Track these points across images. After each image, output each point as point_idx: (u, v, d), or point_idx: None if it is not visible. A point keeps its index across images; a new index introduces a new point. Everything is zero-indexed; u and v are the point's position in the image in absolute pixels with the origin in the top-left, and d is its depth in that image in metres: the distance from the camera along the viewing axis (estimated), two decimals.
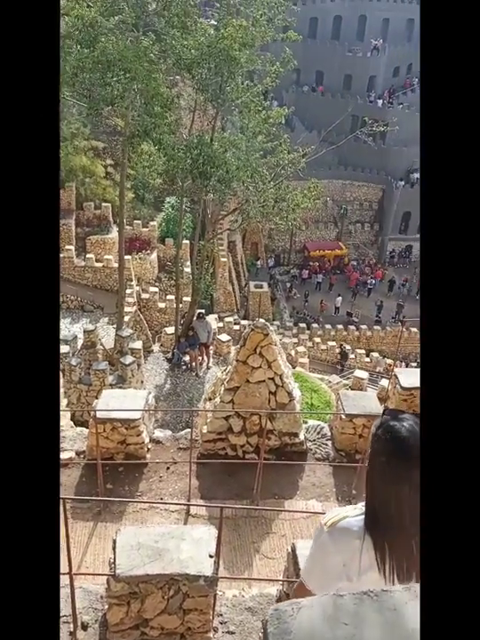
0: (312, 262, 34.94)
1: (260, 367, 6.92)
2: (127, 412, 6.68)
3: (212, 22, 18.36)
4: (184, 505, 6.30)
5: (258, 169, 18.08)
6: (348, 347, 25.61)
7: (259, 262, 34.03)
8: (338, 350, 25.08)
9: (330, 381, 20.20)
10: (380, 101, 37.21)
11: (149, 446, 7.19)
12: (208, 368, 17.44)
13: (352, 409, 7.24)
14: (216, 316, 23.62)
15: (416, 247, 38.04)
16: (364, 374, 19.15)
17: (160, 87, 14.37)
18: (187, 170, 16.23)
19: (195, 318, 17.71)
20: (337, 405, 7.98)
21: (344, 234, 37.67)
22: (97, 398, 7.33)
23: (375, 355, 25.30)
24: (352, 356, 25.21)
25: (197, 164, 15.76)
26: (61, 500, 5.25)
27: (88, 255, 23.03)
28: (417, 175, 37.04)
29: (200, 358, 17.20)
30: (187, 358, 17.35)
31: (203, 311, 18.67)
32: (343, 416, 7.27)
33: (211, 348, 17.83)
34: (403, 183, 36.46)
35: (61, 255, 22.07)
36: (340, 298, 31.26)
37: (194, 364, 17.12)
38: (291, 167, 19.58)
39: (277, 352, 7.02)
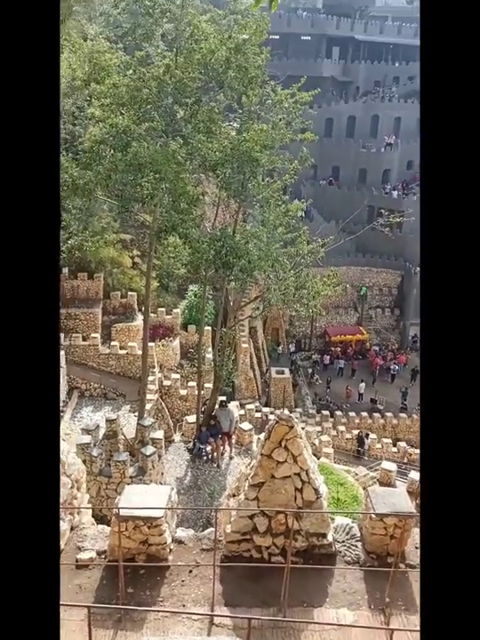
0: (333, 347, 34.92)
1: (286, 461, 6.75)
2: (150, 510, 6.50)
3: (235, 125, 19.66)
4: (208, 615, 5.96)
5: (278, 259, 18.57)
6: (366, 432, 24.92)
7: (280, 348, 34.13)
8: (356, 435, 24.36)
9: (356, 473, 19.49)
10: (395, 193, 38.61)
11: (172, 547, 6.92)
12: (230, 458, 17.06)
13: (382, 507, 6.94)
14: (237, 402, 23.41)
15: None
16: (392, 466, 18.49)
17: (187, 186, 15.17)
18: (210, 260, 16.74)
19: (217, 406, 17.57)
20: (366, 503, 7.67)
21: (365, 319, 37.86)
22: (117, 492, 7.17)
23: (402, 444, 24.53)
24: (377, 445, 24.47)
25: (220, 254, 16.26)
26: (86, 608, 5.01)
27: (113, 343, 23.40)
28: None
29: (222, 448, 16.87)
30: (208, 448, 17.04)
31: (225, 399, 18.54)
32: (373, 515, 6.96)
33: (233, 437, 17.53)
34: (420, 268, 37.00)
35: (86, 343, 22.49)
36: (363, 384, 30.87)
37: (215, 454, 16.78)
38: (310, 256, 20.09)
39: (303, 445, 6.88)
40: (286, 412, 7.16)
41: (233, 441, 17.53)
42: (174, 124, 16.83)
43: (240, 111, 19.68)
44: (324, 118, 40.19)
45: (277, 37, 44.12)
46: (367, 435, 24.59)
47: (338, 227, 29.14)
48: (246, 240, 17.46)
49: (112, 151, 14.45)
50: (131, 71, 15.48)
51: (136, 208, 16.83)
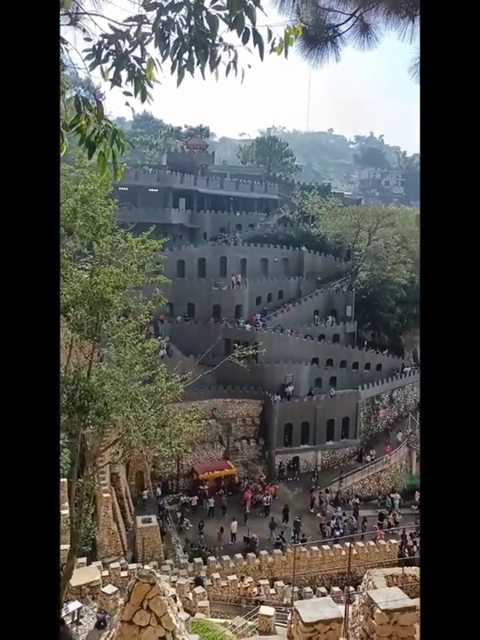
0: (202, 485, 33.65)
1: (149, 624, 5.85)
2: None
3: (87, 268, 19.75)
4: None
5: (137, 398, 18.01)
6: (202, 574, 23.24)
7: (145, 493, 32.05)
8: (193, 580, 22.35)
9: (234, 625, 17.87)
10: (248, 326, 40.76)
11: None
12: None
13: None
14: (100, 563, 20.94)
15: (302, 458, 38.60)
16: (270, 611, 17.28)
17: None
18: (63, 406, 15.71)
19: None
20: None
21: (231, 452, 37.46)
22: None
23: (280, 584, 23.31)
24: (208, 582, 22.47)
25: (74, 399, 15.42)
26: None
27: None
28: (291, 388, 39.34)
29: None
30: None
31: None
32: None
33: None
34: (279, 397, 38.28)
35: None
36: (235, 522, 29.62)
37: None
38: (170, 392, 19.79)
39: (167, 604, 6.04)
40: (147, 567, 6.36)
41: None
42: None
43: (91, 256, 19.96)
44: (176, 260, 42.41)
45: (126, 189, 47.09)
46: (201, 580, 22.75)
47: (196, 361, 29.52)
48: (102, 381, 16.80)
49: None
50: None
51: None
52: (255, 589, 22.72)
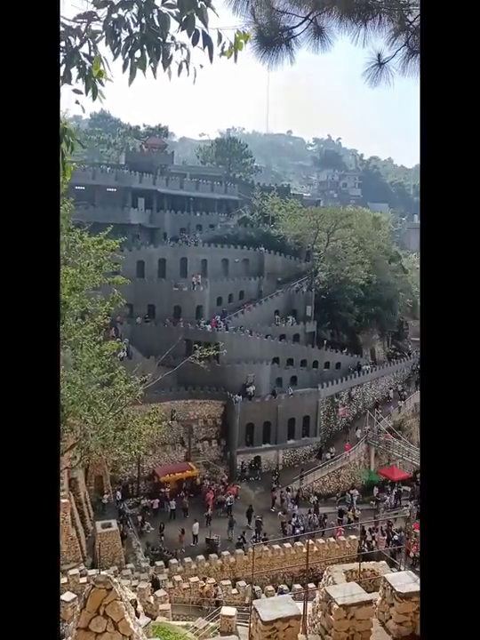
0: (163, 488, 33.38)
1: (106, 631, 5.76)
2: None
3: None
4: None
5: (95, 401, 17.74)
6: (163, 577, 23.11)
7: (105, 497, 31.55)
8: (150, 582, 22.18)
9: (196, 627, 17.80)
10: (209, 326, 40.68)
11: None
12: None
13: None
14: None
15: (264, 457, 38.82)
16: (231, 611, 17.26)
17: None
18: None
19: None
20: None
21: (193, 453, 37.31)
22: None
23: (242, 583, 23.35)
24: (170, 584, 22.42)
25: None
26: None
27: None
28: (252, 388, 39.50)
29: None
30: None
31: None
32: None
33: None
34: (240, 397, 38.36)
35: None
36: (196, 524, 29.48)
37: None
38: (129, 395, 19.54)
39: (124, 609, 5.97)
40: (104, 573, 6.29)
41: None
42: None
43: None
44: (136, 260, 41.95)
45: (83, 188, 46.30)
46: (158, 582, 22.60)
47: (156, 362, 29.29)
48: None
49: None
50: None
51: None
52: (212, 589, 22.69)
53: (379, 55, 5.83)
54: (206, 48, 3.87)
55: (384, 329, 52.97)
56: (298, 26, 6.72)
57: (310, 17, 6.64)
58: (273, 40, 6.77)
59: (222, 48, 4.03)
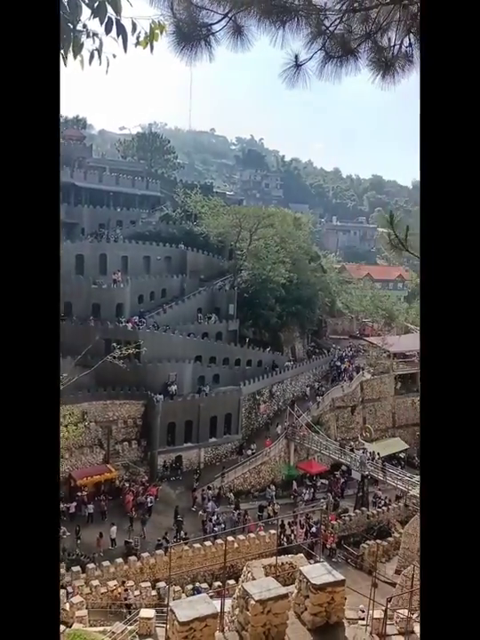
0: (80, 492, 32.39)
1: None
2: None
3: None
4: None
5: None
6: (77, 581, 22.66)
7: None
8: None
9: (113, 632, 17.39)
10: (129, 325, 39.90)
11: None
12: None
13: None
14: None
15: (186, 456, 38.65)
16: (150, 613, 17.01)
17: None
18: None
19: None
20: None
21: (112, 455, 36.47)
22: None
23: (162, 584, 23.11)
24: (87, 590, 22.10)
25: None
26: None
27: None
28: (174, 387, 39.19)
29: None
30: None
31: None
32: None
33: None
34: (162, 396, 37.96)
35: None
36: (114, 527, 28.84)
37: None
38: None
39: None
40: None
41: None
42: None
43: None
44: None
45: None
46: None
47: (73, 362, 28.32)
48: None
49: None
50: None
51: None
52: (123, 592, 22.34)
53: (296, 57, 5.89)
54: (120, 37, 3.75)
55: (304, 327, 54.31)
56: (217, 23, 6.68)
57: (229, 15, 6.62)
58: (191, 36, 6.68)
59: (137, 38, 3.92)
